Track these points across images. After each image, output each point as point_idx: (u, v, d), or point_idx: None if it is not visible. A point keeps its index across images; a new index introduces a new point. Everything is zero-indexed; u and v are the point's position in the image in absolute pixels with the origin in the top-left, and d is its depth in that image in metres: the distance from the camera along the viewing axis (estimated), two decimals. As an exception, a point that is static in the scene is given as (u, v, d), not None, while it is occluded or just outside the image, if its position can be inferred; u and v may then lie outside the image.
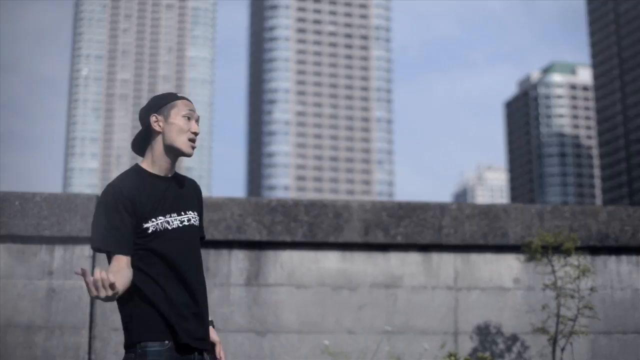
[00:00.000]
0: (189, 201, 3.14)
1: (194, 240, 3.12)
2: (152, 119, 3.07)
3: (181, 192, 3.14)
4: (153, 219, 3.00)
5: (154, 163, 3.09)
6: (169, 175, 3.12)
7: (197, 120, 3.13)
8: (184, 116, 3.08)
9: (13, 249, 5.16)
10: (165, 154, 3.08)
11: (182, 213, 3.09)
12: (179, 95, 3.14)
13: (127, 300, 2.98)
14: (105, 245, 2.93)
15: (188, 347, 2.97)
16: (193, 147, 3.11)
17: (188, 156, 3.11)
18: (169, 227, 3.02)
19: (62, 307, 5.13)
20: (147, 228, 2.98)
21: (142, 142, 3.15)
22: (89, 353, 5.12)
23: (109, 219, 2.93)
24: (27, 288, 5.13)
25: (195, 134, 3.10)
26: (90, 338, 5.14)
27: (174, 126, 3.06)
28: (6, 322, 5.06)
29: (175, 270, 3.01)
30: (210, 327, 3.16)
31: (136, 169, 3.09)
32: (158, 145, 3.08)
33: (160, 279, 2.98)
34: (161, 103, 3.10)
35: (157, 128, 3.07)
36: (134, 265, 2.96)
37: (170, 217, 3.05)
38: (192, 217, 3.12)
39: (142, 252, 2.98)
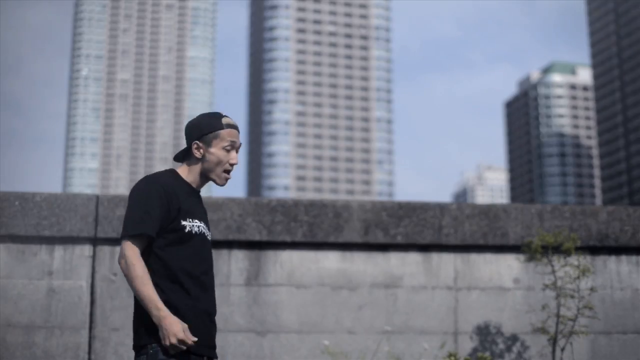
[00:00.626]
0: (204, 215, 3.25)
1: (210, 247, 3.23)
2: (194, 146, 3.15)
3: (202, 205, 3.26)
4: (189, 219, 3.09)
5: (189, 177, 3.18)
6: (198, 190, 3.23)
7: (238, 148, 3.20)
8: (224, 147, 3.15)
9: (13, 249, 5.16)
10: (200, 176, 3.18)
11: (203, 222, 3.19)
12: (224, 121, 3.17)
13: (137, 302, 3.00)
14: (135, 229, 2.97)
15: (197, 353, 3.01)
16: (227, 178, 3.20)
17: (220, 186, 3.22)
18: (198, 232, 3.12)
19: (62, 307, 5.13)
20: (185, 226, 3.06)
21: (183, 152, 3.24)
22: (89, 353, 5.12)
23: (142, 205, 3.00)
24: (27, 288, 5.13)
25: (233, 165, 3.18)
26: (90, 338, 5.13)
27: (213, 157, 3.14)
28: (6, 322, 5.06)
29: (199, 274, 3.09)
30: None
31: (173, 172, 3.18)
32: (196, 167, 3.17)
33: (186, 283, 3.03)
34: (205, 131, 3.15)
35: (197, 155, 3.16)
36: (162, 264, 3.01)
37: (200, 223, 3.15)
38: (206, 227, 3.23)
39: (174, 249, 3.03)
